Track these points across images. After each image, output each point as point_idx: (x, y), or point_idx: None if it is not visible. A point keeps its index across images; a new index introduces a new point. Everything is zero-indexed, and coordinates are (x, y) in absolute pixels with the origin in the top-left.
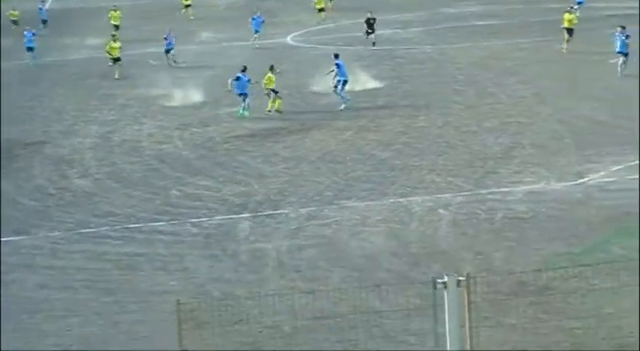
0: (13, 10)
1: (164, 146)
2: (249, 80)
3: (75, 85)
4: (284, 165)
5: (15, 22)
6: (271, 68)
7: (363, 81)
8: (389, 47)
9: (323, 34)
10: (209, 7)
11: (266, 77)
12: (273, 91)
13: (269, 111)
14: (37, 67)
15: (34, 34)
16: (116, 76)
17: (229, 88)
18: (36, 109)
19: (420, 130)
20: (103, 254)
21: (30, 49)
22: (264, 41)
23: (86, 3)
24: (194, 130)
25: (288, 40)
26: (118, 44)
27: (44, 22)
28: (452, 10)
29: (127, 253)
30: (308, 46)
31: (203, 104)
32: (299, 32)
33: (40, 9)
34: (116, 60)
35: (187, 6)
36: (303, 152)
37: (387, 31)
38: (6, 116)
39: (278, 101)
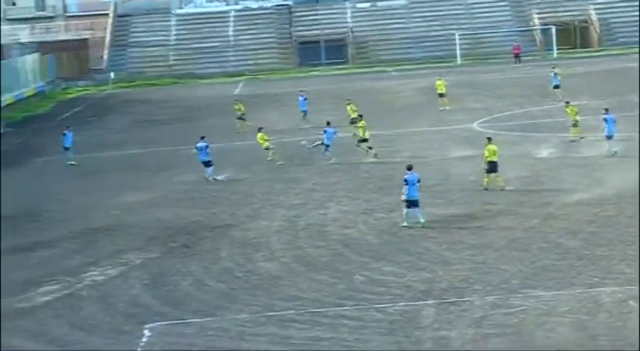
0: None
1: (349, 231)
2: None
3: (262, 169)
4: (469, 252)
5: (241, 118)
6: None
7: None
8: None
9: (509, 121)
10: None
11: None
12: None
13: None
14: (224, 151)
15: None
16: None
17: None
18: (223, 192)
19: (608, 219)
20: (288, 338)
21: None
22: (451, 127)
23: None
24: (379, 215)
25: (475, 126)
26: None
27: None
28: None
29: (311, 337)
30: (494, 132)
31: (388, 189)
32: (486, 118)
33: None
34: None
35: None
36: (488, 239)
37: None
38: (193, 199)
39: (499, 179)
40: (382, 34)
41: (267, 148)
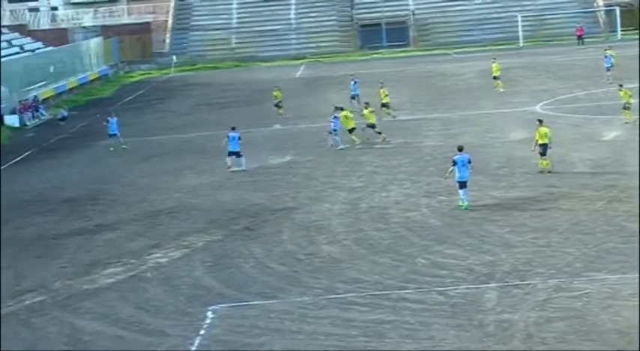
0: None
1: (411, 214)
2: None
3: (324, 152)
4: (532, 235)
5: (278, 105)
6: (540, 121)
7: None
8: None
9: (573, 103)
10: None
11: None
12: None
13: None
14: (285, 135)
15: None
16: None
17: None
18: (285, 175)
19: None
20: (350, 320)
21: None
22: (514, 109)
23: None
24: (441, 197)
25: (537, 108)
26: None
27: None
28: None
29: (373, 319)
30: (557, 114)
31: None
32: (549, 100)
33: None
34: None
35: None
36: (551, 222)
37: None
38: (254, 182)
39: (546, 162)
40: (443, 17)
41: (351, 130)
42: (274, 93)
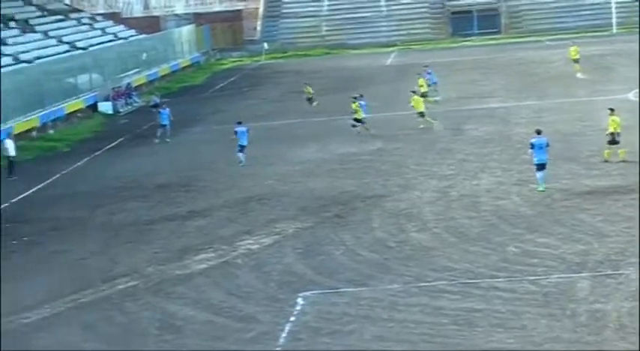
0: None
1: (502, 202)
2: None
3: (414, 140)
4: (625, 224)
5: (309, 99)
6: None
7: None
8: None
9: None
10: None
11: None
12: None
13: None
14: (376, 121)
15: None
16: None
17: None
18: (375, 162)
19: None
20: (440, 309)
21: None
22: (605, 97)
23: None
24: (532, 186)
25: (630, 96)
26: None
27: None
28: None
29: (464, 308)
30: None
31: None
32: None
33: None
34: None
35: None
36: None
37: None
38: (344, 170)
39: (621, 151)
40: (536, 4)
41: (421, 114)
42: (305, 89)
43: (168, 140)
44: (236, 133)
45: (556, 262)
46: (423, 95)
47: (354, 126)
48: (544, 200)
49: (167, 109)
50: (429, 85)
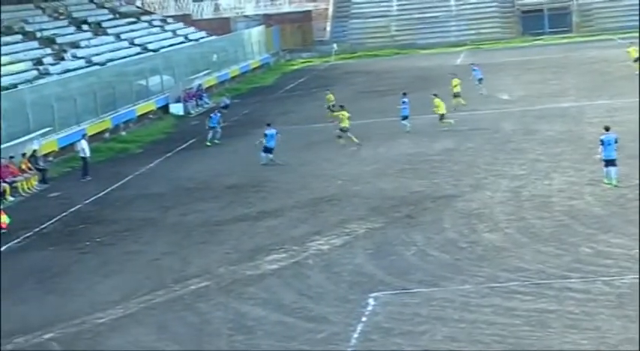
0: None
1: (574, 202)
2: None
3: (486, 140)
4: None
5: (330, 108)
6: None
7: None
8: None
9: None
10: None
11: None
12: None
13: None
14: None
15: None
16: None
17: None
18: (446, 163)
19: None
20: (512, 309)
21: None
22: None
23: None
24: (605, 186)
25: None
26: None
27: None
28: None
29: (536, 309)
30: None
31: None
32: None
33: None
34: None
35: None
36: None
37: None
38: (415, 170)
39: None
40: (608, 2)
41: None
42: (327, 97)
43: (217, 141)
44: (265, 135)
45: (630, 262)
46: (456, 95)
47: (339, 136)
48: (617, 200)
49: (218, 114)
50: (476, 82)
